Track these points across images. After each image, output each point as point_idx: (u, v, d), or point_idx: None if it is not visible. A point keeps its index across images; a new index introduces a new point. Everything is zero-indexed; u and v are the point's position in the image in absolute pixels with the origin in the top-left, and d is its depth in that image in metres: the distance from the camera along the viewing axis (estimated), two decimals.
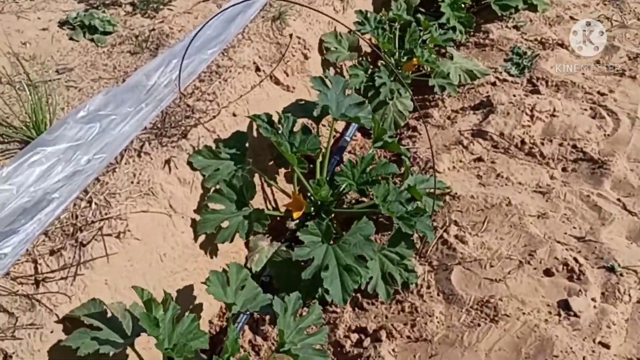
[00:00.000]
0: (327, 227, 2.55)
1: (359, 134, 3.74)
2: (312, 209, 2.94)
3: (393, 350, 2.44)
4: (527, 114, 3.54)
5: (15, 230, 2.27)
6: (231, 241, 2.66)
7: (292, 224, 2.99)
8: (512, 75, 3.90)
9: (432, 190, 3.01)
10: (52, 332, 2.13)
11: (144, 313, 2.01)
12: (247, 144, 2.88)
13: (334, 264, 2.48)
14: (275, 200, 3.21)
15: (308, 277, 2.48)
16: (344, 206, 3.08)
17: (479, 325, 2.47)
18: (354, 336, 2.55)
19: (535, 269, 2.70)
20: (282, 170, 3.25)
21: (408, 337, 2.48)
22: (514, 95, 3.71)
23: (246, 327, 2.65)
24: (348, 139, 3.59)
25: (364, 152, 3.63)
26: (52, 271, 2.22)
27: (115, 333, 2.14)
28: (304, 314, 2.41)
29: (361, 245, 2.53)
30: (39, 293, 2.15)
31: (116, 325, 2.17)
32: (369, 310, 2.66)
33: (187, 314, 2.15)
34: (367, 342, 2.49)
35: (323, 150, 3.03)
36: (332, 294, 2.42)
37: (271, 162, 3.17)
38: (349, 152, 3.63)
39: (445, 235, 2.88)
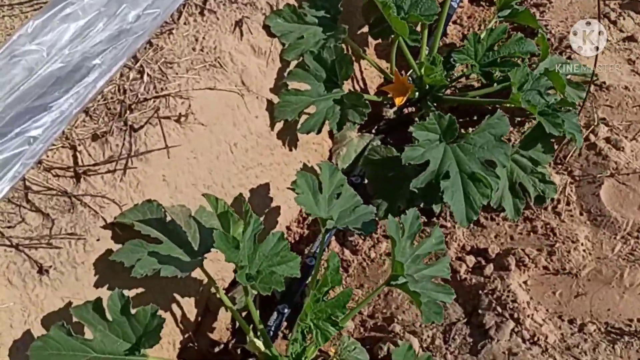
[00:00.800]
0: (450, 122, 1.93)
1: None
2: (417, 94, 2.30)
3: (525, 283, 1.91)
4: None
5: (46, 105, 1.74)
6: (318, 132, 2.09)
7: (390, 112, 2.38)
8: None
9: (571, 77, 2.33)
10: (98, 240, 1.68)
11: (221, 232, 1.48)
12: (340, 5, 2.20)
13: (455, 171, 1.89)
14: (363, 80, 2.57)
15: (420, 185, 1.90)
16: (449, 91, 2.43)
17: None
18: (470, 259, 2.03)
19: None
20: (374, 42, 2.58)
21: (545, 267, 1.94)
22: None
23: (332, 238, 2.15)
24: (455, 5, 2.84)
25: (472, 23, 2.89)
26: (97, 163, 1.70)
27: (179, 247, 1.65)
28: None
29: (491, 148, 1.93)
30: (80, 195, 1.65)
31: (179, 236, 1.69)
32: (487, 228, 2.12)
33: (272, 232, 1.62)
34: (489, 269, 1.96)
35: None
36: (454, 211, 1.86)
37: (360, 30, 2.50)
38: (454, 22, 2.90)
39: (592, 137, 2.23)
